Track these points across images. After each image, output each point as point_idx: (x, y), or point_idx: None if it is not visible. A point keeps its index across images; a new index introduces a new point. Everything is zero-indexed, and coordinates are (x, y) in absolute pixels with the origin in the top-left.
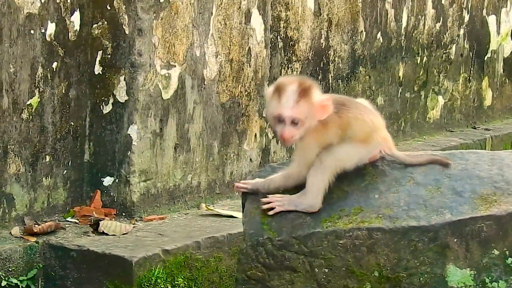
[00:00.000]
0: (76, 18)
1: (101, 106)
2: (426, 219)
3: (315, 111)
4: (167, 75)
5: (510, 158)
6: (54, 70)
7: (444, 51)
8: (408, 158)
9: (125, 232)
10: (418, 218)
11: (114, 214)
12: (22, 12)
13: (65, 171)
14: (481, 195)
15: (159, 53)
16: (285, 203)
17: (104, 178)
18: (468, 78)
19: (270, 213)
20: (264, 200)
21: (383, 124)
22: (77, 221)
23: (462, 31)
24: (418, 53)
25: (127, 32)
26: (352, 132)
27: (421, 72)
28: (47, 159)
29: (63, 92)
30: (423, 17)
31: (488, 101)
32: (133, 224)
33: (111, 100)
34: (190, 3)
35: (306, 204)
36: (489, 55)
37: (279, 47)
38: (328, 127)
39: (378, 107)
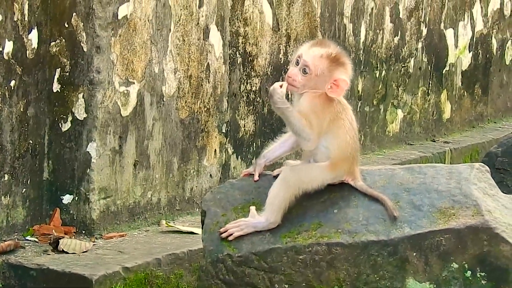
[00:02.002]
0: (34, 36)
1: (59, 123)
2: (385, 233)
3: (329, 79)
4: (125, 92)
5: (468, 171)
6: (12, 88)
7: (403, 65)
8: (368, 189)
9: (85, 250)
10: (377, 233)
11: (74, 232)
12: None
13: (24, 189)
14: (440, 208)
15: (117, 70)
16: (243, 227)
17: (64, 196)
18: (426, 91)
19: (230, 238)
20: (221, 229)
21: (358, 160)
22: (36, 239)
23: (420, 45)
24: (377, 67)
25: (85, 49)
26: (330, 143)
27: (380, 86)
28: (6, 178)
29: (22, 110)
30: (381, 31)
31: (447, 114)
32: (93, 242)
33: (69, 118)
34: (148, 20)
35: (266, 221)
36: (447, 68)
37: (238, 62)
38: (325, 108)
39: None
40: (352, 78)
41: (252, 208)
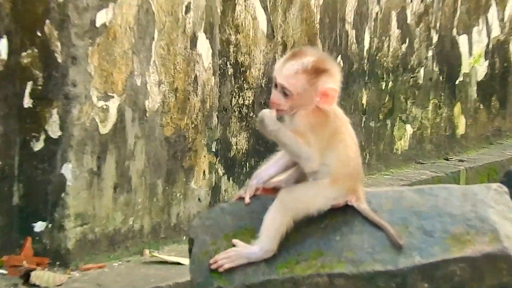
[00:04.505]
0: (3, 46)
1: (31, 143)
2: (393, 263)
3: (315, 94)
4: (104, 107)
5: (484, 193)
6: None
7: (412, 75)
8: (371, 213)
9: (59, 284)
10: (384, 262)
11: (47, 263)
12: None
13: None
14: (453, 234)
15: (95, 83)
16: (234, 258)
17: (36, 223)
18: (438, 104)
19: (220, 270)
20: (211, 261)
21: (362, 177)
22: (5, 272)
23: (430, 53)
24: (383, 78)
25: (59, 60)
26: (330, 159)
27: (387, 99)
28: None
29: None
30: (387, 38)
31: (461, 129)
32: (69, 274)
33: (42, 136)
34: (129, 28)
35: (260, 251)
36: (461, 78)
37: (229, 73)
38: (323, 123)
39: None
40: (356, 89)
41: (236, 241)
